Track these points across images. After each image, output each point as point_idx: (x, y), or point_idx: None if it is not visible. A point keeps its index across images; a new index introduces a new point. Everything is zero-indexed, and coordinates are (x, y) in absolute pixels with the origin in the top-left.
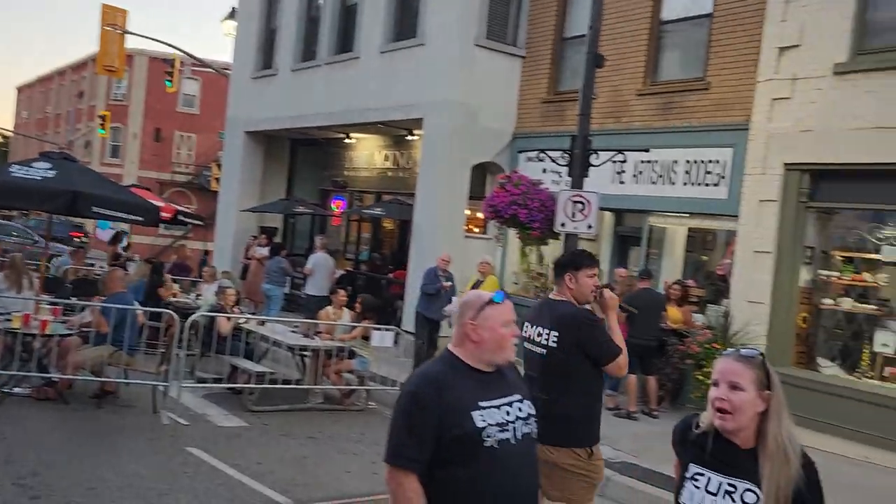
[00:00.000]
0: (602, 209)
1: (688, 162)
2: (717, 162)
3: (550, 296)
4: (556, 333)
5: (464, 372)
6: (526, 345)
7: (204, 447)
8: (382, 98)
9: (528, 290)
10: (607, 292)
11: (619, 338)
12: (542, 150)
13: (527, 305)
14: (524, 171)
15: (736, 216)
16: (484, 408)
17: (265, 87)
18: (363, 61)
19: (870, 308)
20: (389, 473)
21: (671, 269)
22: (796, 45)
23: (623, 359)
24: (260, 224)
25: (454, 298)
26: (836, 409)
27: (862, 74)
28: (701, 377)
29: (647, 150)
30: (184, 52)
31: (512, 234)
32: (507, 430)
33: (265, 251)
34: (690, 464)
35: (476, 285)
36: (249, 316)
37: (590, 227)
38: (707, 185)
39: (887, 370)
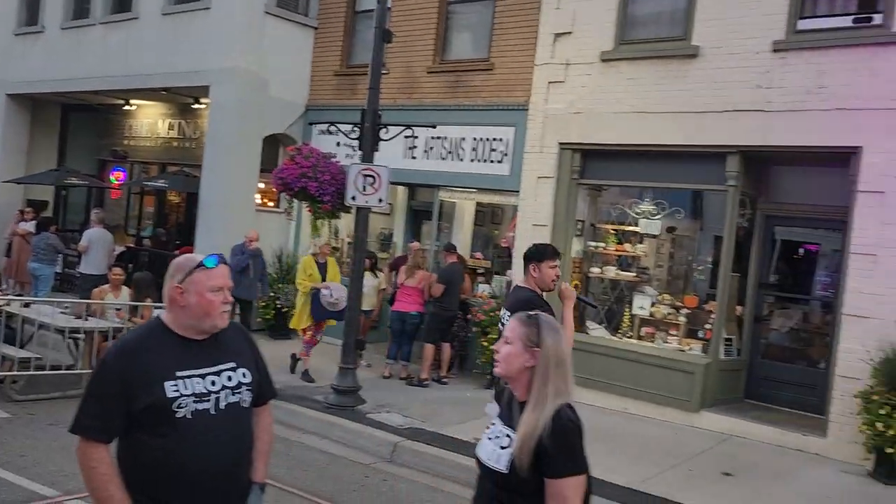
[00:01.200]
0: (395, 183)
1: (475, 139)
2: (501, 140)
3: (516, 283)
4: (509, 315)
5: (166, 339)
6: (500, 326)
7: None
8: (165, 63)
9: None
10: (564, 284)
11: (568, 325)
12: (333, 123)
13: None
14: (317, 145)
15: (517, 192)
16: (181, 377)
17: (30, 45)
18: (143, 22)
19: (630, 276)
20: (78, 444)
21: (461, 241)
22: (569, 32)
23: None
24: (27, 197)
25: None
26: (601, 367)
27: (624, 62)
28: (486, 343)
29: (433, 127)
30: None
31: (304, 207)
32: (207, 401)
33: (31, 226)
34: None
35: (322, 271)
36: (11, 297)
37: (381, 200)
38: (492, 161)
39: (643, 330)
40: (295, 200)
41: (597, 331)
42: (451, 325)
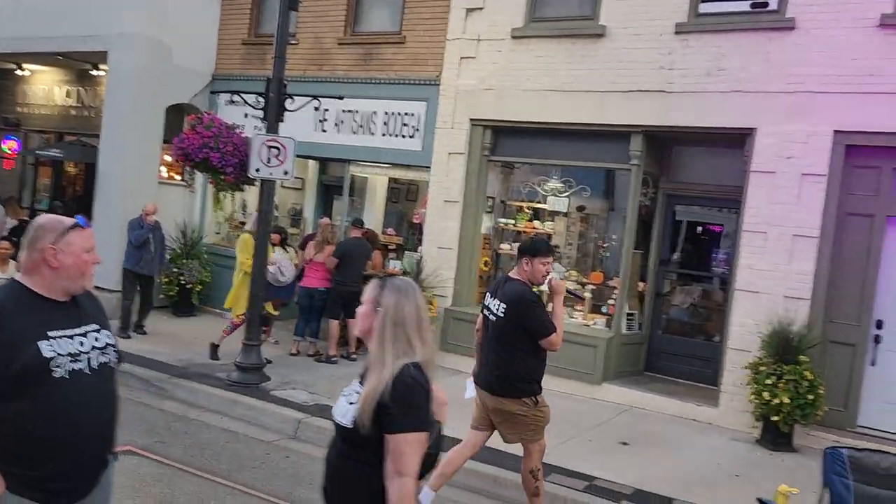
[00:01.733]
0: (305, 157)
1: (386, 113)
2: (413, 115)
3: (509, 273)
4: (505, 306)
5: (31, 301)
6: (485, 311)
7: None
8: (59, 26)
9: (230, 240)
10: (554, 280)
11: (559, 320)
12: (237, 92)
13: (228, 255)
14: (224, 115)
15: (429, 167)
16: (54, 338)
17: None
18: None
19: None
20: None
21: (373, 217)
22: (480, 8)
23: (555, 337)
24: None
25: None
26: None
27: (535, 40)
28: None
29: (341, 98)
30: None
31: (207, 179)
32: (80, 361)
33: None
34: None
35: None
36: None
37: (286, 173)
38: (403, 136)
39: (550, 306)
40: (196, 172)
41: None
42: (355, 301)
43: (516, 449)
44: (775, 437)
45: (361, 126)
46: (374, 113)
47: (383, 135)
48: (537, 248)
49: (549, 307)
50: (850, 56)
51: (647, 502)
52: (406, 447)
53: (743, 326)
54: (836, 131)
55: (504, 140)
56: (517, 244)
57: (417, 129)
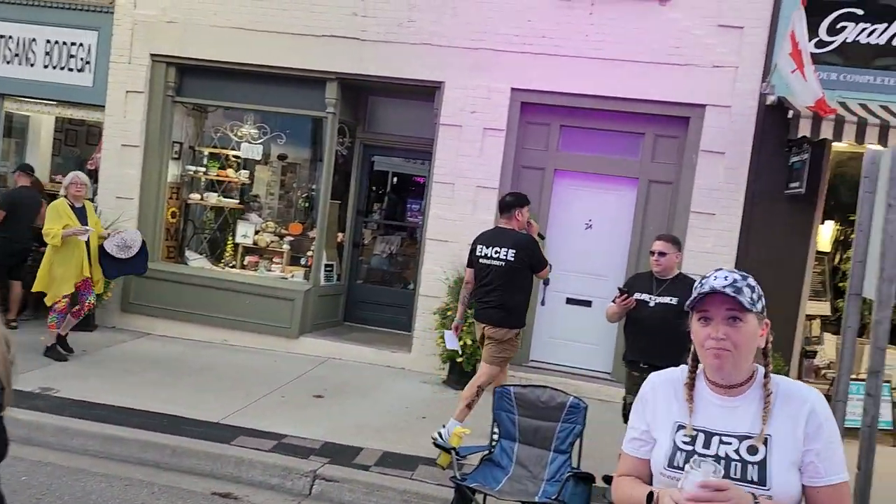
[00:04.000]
0: None
1: (49, 42)
2: (82, 45)
3: (502, 225)
4: (514, 251)
5: None
6: (482, 261)
7: None
8: None
9: None
10: (532, 222)
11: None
12: None
13: None
14: None
15: (103, 106)
16: None
17: None
18: None
19: (233, 203)
20: None
21: (38, 162)
22: None
23: (547, 267)
24: None
25: None
26: (202, 299)
27: None
28: None
29: None
30: None
31: None
32: None
33: None
34: None
35: (81, 218)
36: None
37: None
38: (71, 69)
39: (247, 259)
40: None
41: (197, 261)
42: (23, 260)
43: (202, 415)
44: (459, 377)
45: (17, 55)
46: (34, 40)
47: (45, 66)
48: (523, 199)
49: None
50: (527, 18)
51: (335, 454)
52: None
53: (432, 274)
54: (513, 88)
55: (191, 80)
56: (211, 193)
57: (88, 63)
